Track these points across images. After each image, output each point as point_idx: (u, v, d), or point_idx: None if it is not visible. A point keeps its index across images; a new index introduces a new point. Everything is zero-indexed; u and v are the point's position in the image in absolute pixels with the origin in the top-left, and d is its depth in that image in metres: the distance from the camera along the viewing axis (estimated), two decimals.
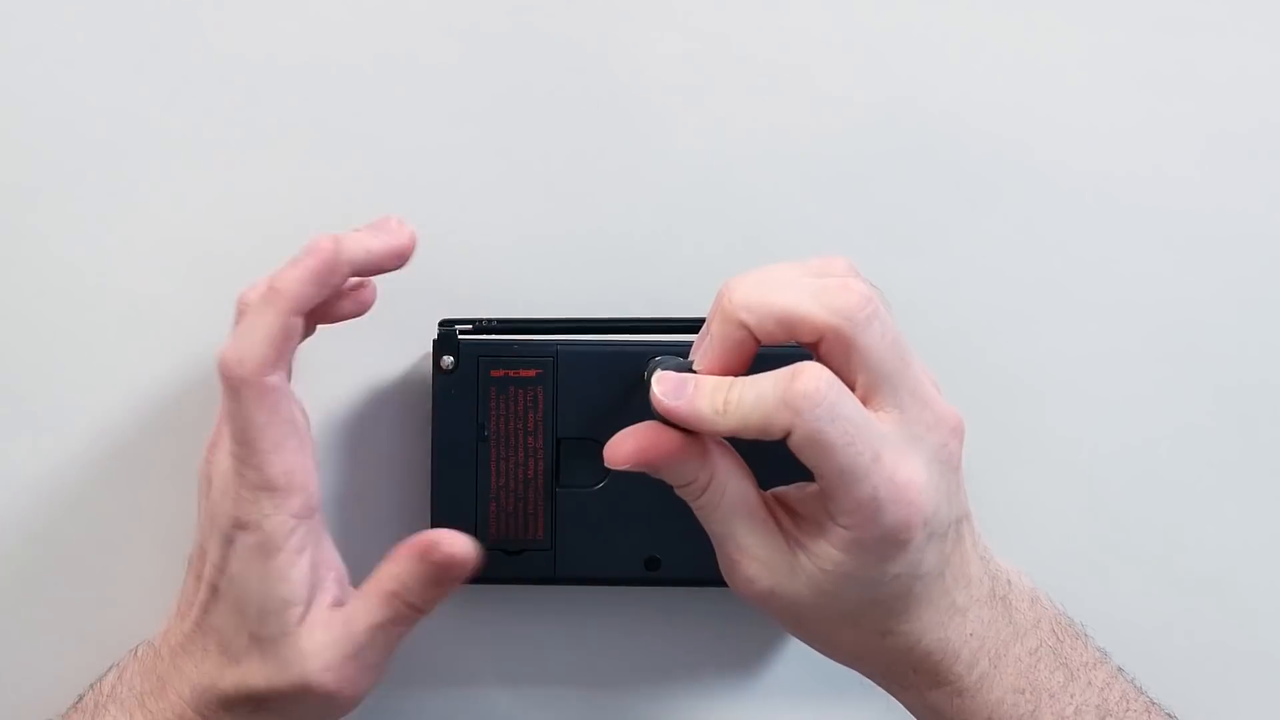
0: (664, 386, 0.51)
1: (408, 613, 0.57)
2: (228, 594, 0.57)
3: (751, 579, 0.53)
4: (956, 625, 0.54)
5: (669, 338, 0.61)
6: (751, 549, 0.53)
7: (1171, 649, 0.65)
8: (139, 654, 0.60)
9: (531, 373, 0.61)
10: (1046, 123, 0.66)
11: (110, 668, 0.60)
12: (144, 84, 0.65)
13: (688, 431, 0.52)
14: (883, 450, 0.50)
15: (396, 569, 0.57)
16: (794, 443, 0.50)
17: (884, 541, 0.51)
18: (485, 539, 0.61)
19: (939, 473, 0.52)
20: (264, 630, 0.56)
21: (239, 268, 0.65)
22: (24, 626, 0.65)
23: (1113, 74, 0.66)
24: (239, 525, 0.56)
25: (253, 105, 0.65)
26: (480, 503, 0.61)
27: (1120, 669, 0.57)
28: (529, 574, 0.62)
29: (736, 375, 0.52)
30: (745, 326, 0.51)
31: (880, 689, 0.57)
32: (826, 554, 0.51)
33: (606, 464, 0.53)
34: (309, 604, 0.57)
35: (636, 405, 0.54)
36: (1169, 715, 0.58)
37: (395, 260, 0.58)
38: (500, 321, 0.63)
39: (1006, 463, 0.65)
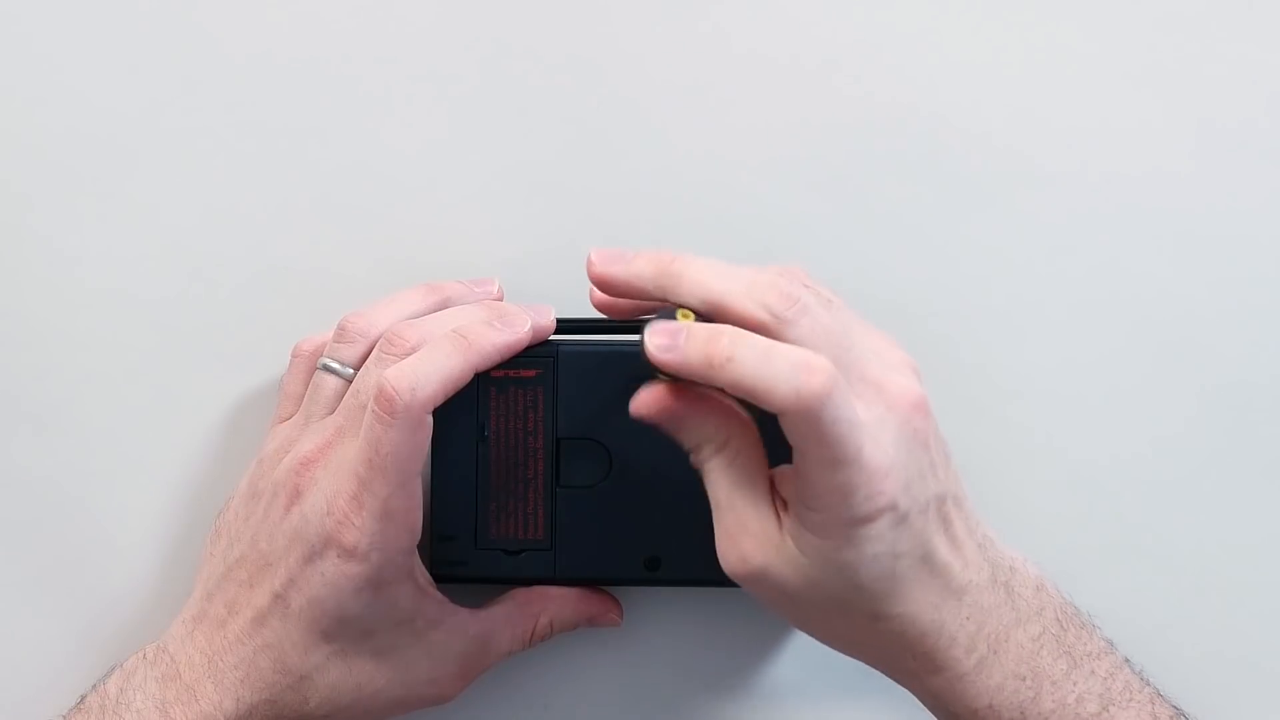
0: (657, 340, 0.51)
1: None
2: (303, 612, 0.57)
3: (745, 556, 0.53)
4: (951, 609, 0.54)
5: None
6: (750, 524, 0.53)
7: (1165, 648, 0.65)
8: (148, 656, 0.59)
9: (531, 373, 0.61)
10: (1041, 125, 0.66)
11: (113, 669, 0.60)
12: (144, 85, 0.65)
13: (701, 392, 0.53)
14: (864, 442, 0.50)
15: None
16: (790, 425, 0.50)
17: (852, 523, 0.51)
18: (485, 539, 0.61)
19: (906, 450, 0.52)
20: (389, 641, 0.59)
21: (239, 268, 0.65)
22: (22, 626, 0.65)
23: (1102, 73, 0.66)
24: (334, 544, 0.56)
25: (253, 107, 0.65)
26: (480, 503, 0.61)
27: (1127, 660, 0.57)
28: (529, 574, 0.62)
29: None
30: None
31: (881, 690, 0.57)
32: (802, 537, 0.52)
33: (632, 412, 0.53)
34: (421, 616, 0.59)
35: None
36: (1175, 707, 0.58)
37: (542, 339, 0.60)
38: None
39: (1000, 462, 0.65)
